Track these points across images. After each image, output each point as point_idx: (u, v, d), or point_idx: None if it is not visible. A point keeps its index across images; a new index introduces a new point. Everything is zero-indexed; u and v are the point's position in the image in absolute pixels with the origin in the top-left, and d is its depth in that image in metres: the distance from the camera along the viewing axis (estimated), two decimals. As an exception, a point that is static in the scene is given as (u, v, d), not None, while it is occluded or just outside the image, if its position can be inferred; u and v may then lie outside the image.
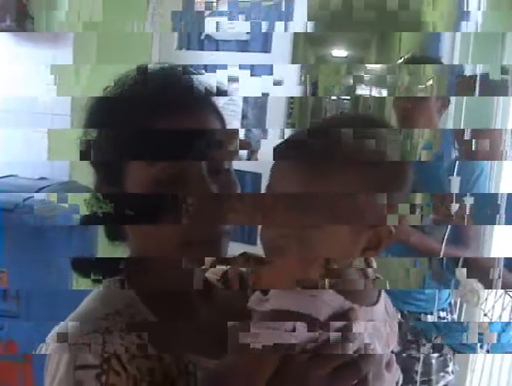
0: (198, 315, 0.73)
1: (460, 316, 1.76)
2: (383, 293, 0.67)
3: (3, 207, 1.89)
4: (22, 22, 2.24)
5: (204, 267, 0.71)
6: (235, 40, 2.81)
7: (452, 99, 1.66)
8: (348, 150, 0.60)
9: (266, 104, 2.57)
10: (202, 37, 2.82)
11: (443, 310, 1.77)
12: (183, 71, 0.69)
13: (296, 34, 2.76)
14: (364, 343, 0.61)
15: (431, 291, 1.62)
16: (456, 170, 1.51)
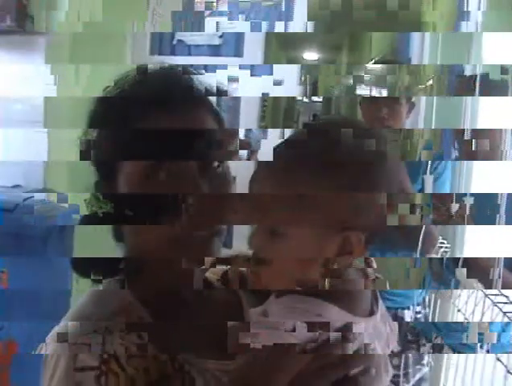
0: (196, 315, 0.73)
1: (434, 311, 1.78)
2: (380, 302, 0.67)
3: (3, 207, 1.89)
4: (22, 22, 2.24)
5: (204, 267, 0.71)
6: (207, 45, 2.81)
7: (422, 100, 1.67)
8: (346, 151, 0.60)
9: (239, 106, 2.54)
10: (174, 42, 2.83)
11: (418, 304, 1.78)
12: (183, 71, 0.69)
13: (268, 38, 2.76)
14: (364, 343, 0.61)
15: (407, 286, 1.63)
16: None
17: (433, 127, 1.69)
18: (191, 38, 2.78)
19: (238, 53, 2.78)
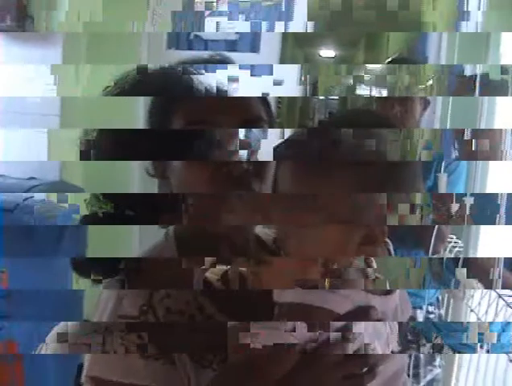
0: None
1: (447, 311, 1.78)
2: None
3: (3, 207, 1.89)
4: (22, 22, 2.24)
5: (203, 267, 0.71)
6: (224, 40, 2.82)
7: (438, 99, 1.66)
8: (347, 150, 0.60)
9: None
10: (191, 37, 2.84)
11: (431, 304, 1.78)
12: (183, 71, 0.69)
13: (284, 34, 2.78)
14: (364, 343, 0.61)
15: (422, 286, 1.63)
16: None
17: (448, 127, 1.68)
18: (208, 33, 2.80)
19: (254, 49, 2.80)
